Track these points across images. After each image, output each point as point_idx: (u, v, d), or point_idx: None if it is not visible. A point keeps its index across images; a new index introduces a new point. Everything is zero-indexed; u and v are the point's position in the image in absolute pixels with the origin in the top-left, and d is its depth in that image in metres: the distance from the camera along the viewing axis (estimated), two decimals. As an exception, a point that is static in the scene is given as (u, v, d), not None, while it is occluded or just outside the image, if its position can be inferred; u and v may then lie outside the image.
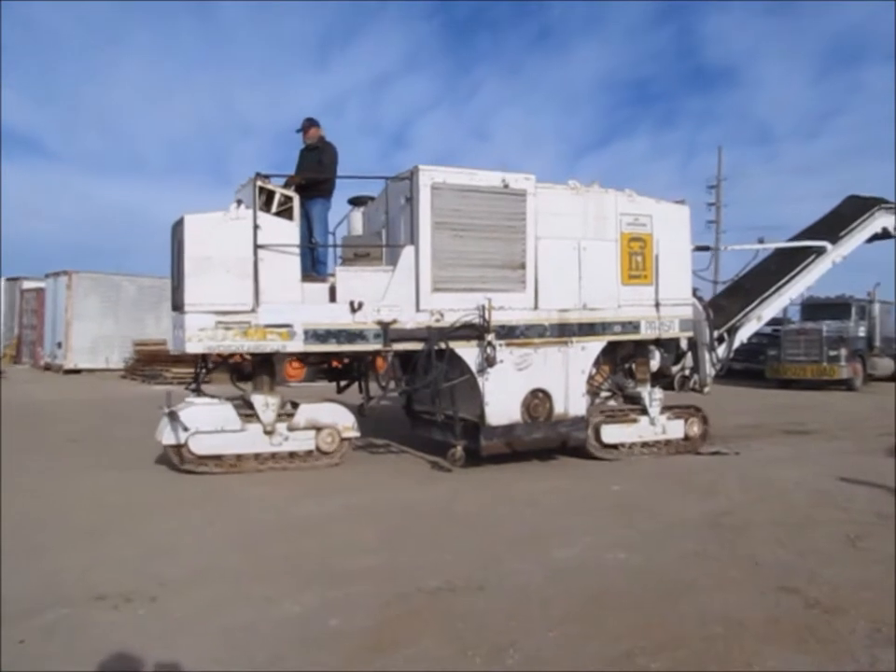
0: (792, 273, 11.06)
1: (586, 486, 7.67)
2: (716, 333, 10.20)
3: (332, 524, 6.10)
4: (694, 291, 9.88)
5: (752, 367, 21.57)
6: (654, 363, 9.71)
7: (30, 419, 12.11)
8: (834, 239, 11.48)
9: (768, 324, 25.63)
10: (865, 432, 11.30)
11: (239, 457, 8.07)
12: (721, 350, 10.34)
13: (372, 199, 9.40)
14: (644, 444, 9.29)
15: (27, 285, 27.39)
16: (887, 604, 4.23)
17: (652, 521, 6.14)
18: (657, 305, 9.23)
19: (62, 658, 3.55)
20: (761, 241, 11.30)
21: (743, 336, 10.69)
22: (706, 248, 10.47)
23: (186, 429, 7.66)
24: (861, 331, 20.56)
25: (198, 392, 8.45)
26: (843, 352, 19.24)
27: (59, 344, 23.26)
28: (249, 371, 9.05)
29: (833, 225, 11.91)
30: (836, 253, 11.44)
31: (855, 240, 11.69)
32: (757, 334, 23.06)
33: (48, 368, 24.00)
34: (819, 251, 11.34)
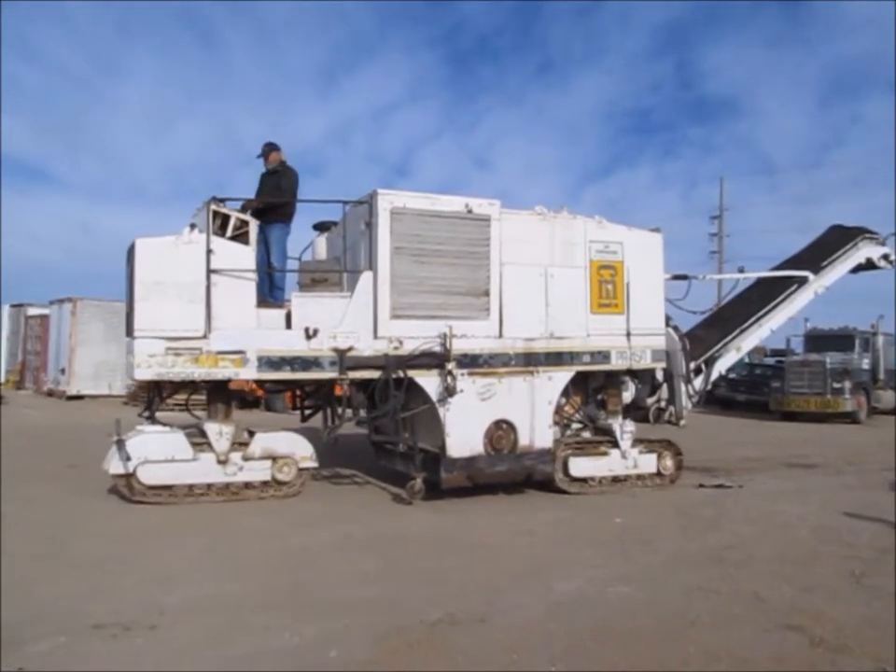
0: (774, 303, 10.75)
1: (588, 518, 7.52)
2: (693, 364, 9.90)
3: (331, 553, 6.05)
4: (668, 320, 9.61)
5: (755, 399, 21.30)
6: (628, 394, 9.45)
7: (30, 444, 11.96)
8: (817, 269, 11.19)
9: (771, 355, 25.79)
10: (870, 466, 11.05)
11: (191, 487, 7.84)
12: (699, 382, 10.04)
13: (336, 224, 9.24)
14: (615, 479, 8.97)
15: (32, 311, 27.41)
16: (892, 642, 4.14)
17: (655, 554, 6.07)
18: (628, 335, 8.97)
19: None
20: (741, 270, 11.06)
21: (721, 367, 10.40)
22: (683, 277, 10.20)
23: (128, 458, 7.45)
24: (866, 363, 20.15)
25: (151, 420, 8.25)
26: (847, 384, 18.88)
27: (62, 370, 23.19)
28: (253, 399, 8.92)
29: (816, 255, 11.62)
30: (819, 283, 11.14)
31: (838, 270, 11.39)
32: (760, 366, 23.24)
33: (51, 394, 23.93)
34: (802, 281, 11.04)
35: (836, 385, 18.88)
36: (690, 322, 10.99)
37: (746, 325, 10.59)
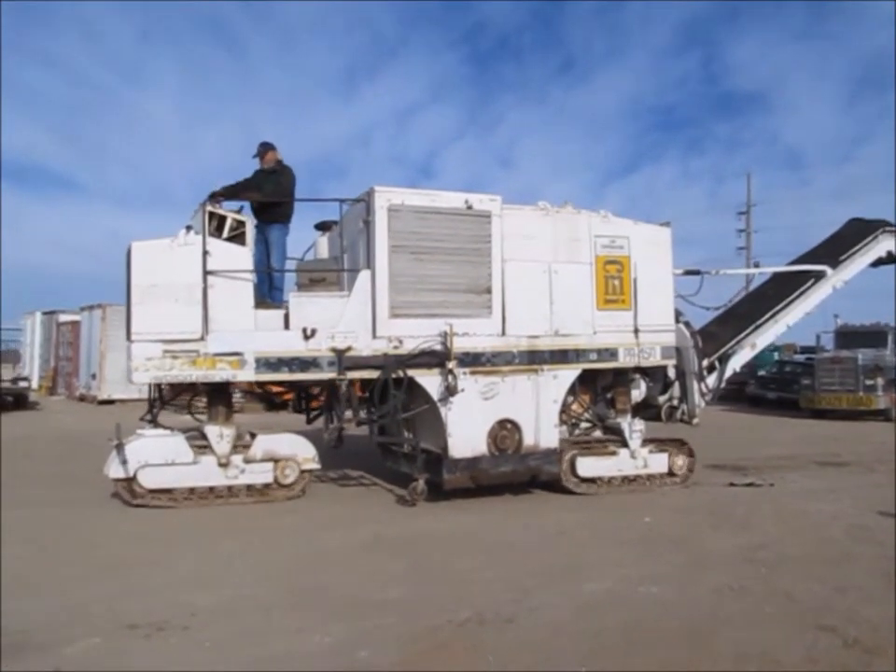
0: (790, 299, 10.44)
1: (617, 518, 7.42)
2: (706, 362, 9.64)
3: (359, 554, 6.07)
4: (679, 316, 9.37)
5: (785, 396, 20.78)
6: (638, 393, 9.24)
7: (62, 450, 12.12)
8: (835, 263, 10.85)
9: (801, 352, 25.23)
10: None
11: (192, 491, 7.80)
12: (712, 379, 9.77)
13: (337, 223, 9.16)
14: (624, 479, 8.76)
15: (63, 318, 27.87)
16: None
17: (685, 554, 6.00)
18: (636, 331, 8.75)
19: None
20: (756, 265, 10.75)
21: (735, 364, 10.09)
22: (695, 272, 9.94)
23: (124, 462, 7.42)
24: None
25: (153, 423, 8.22)
26: (879, 381, 18.27)
27: (93, 376, 23.54)
28: (280, 401, 8.89)
29: (835, 249, 11.28)
30: (837, 278, 10.80)
31: (857, 264, 11.04)
32: (790, 363, 22.71)
33: (82, 398, 24.31)
34: (819, 276, 10.72)
35: (868, 382, 18.32)
36: (704, 318, 10.75)
37: (761, 321, 10.28)
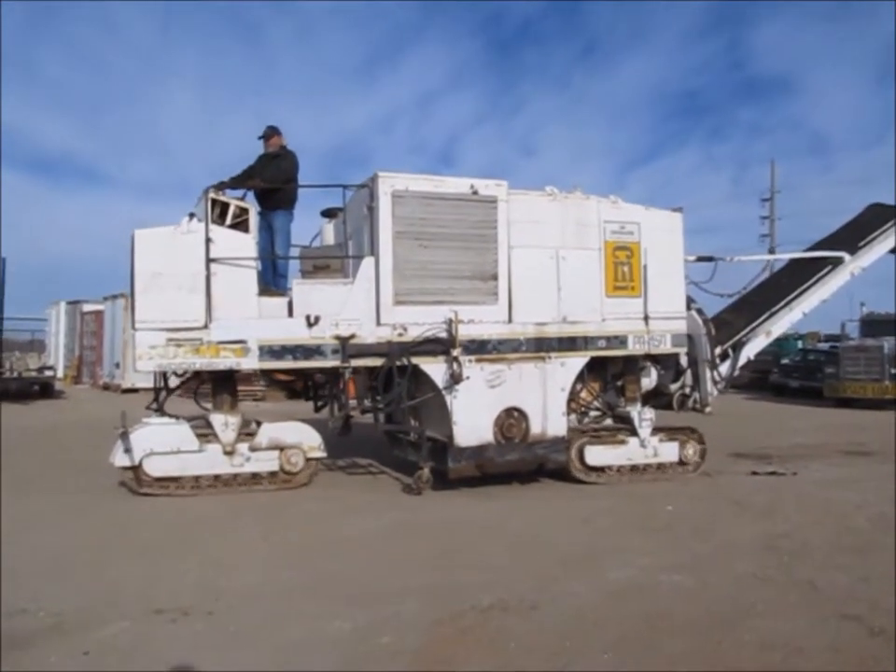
0: (805, 286, 10.20)
1: (639, 506, 7.36)
2: (719, 349, 9.46)
3: (382, 541, 6.11)
4: (691, 304, 9.20)
5: (809, 385, 20.42)
6: (648, 381, 9.10)
7: (88, 437, 12.12)
8: (853, 249, 10.59)
9: (826, 340, 24.85)
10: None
11: (198, 479, 7.80)
12: (725, 367, 9.58)
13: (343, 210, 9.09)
14: (633, 468, 8.63)
15: (87, 308, 28.12)
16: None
17: (708, 542, 5.98)
18: (646, 318, 8.60)
19: (121, 669, 3.66)
20: (772, 251, 10.52)
21: (749, 352, 9.87)
22: (708, 259, 9.74)
23: (129, 451, 7.43)
24: None
25: (160, 412, 8.22)
26: (905, 370, 17.93)
27: (117, 365, 23.68)
28: (300, 389, 8.92)
29: (853, 235, 10.99)
30: (855, 265, 10.53)
31: (876, 251, 10.74)
32: (814, 351, 22.37)
33: (106, 387, 24.50)
34: (837, 262, 10.46)
35: (894, 371, 18.00)
36: (719, 306, 10.55)
37: (776, 308, 10.06)
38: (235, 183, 8.10)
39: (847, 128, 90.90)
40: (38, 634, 4.10)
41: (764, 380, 22.05)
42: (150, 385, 8.78)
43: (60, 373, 27.15)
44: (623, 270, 8.56)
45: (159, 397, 8.34)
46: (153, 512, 7.08)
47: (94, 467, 8.35)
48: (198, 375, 8.47)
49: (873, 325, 20.11)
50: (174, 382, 8.61)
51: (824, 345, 23.69)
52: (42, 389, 21.72)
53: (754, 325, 9.95)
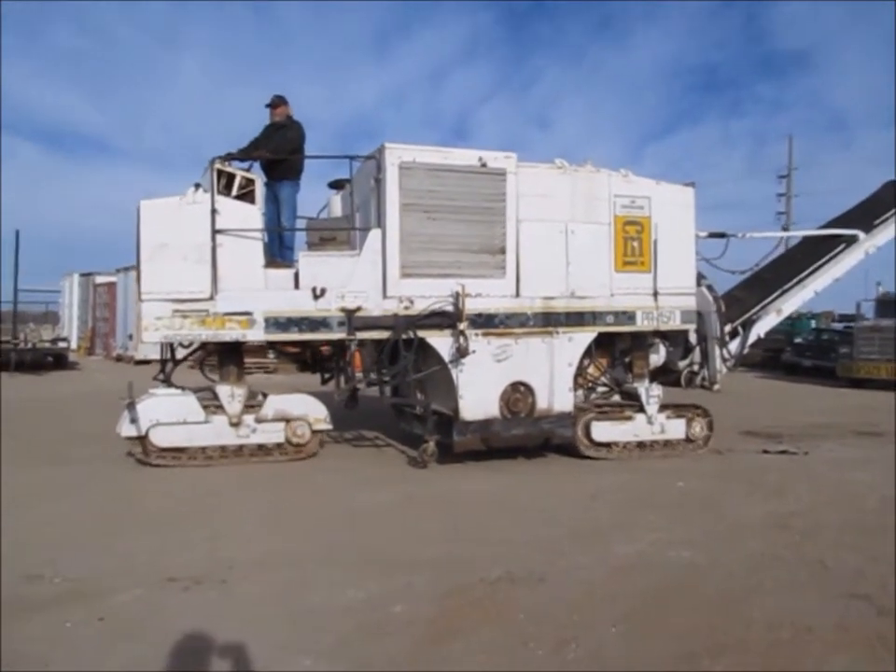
0: (818, 264, 10.05)
1: (648, 482, 7.38)
2: (729, 327, 9.36)
3: (392, 513, 6.15)
4: (701, 280, 9.09)
5: (823, 365, 20.19)
6: (657, 357, 9.03)
7: (103, 408, 12.27)
8: (868, 227, 10.40)
9: (840, 320, 24.61)
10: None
11: (204, 450, 7.82)
12: (735, 345, 9.48)
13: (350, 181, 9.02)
14: (640, 444, 8.59)
15: (100, 279, 28.16)
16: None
17: (717, 519, 5.98)
18: (655, 294, 8.51)
19: (136, 635, 3.69)
20: (785, 228, 10.37)
21: (760, 330, 9.75)
22: (720, 235, 9.60)
23: (135, 421, 7.45)
24: None
25: (167, 383, 8.24)
26: (920, 351, 17.70)
27: (130, 336, 23.71)
28: (311, 362, 8.94)
29: (868, 212, 10.78)
30: (870, 243, 10.33)
31: (891, 229, 10.52)
32: (828, 331, 22.17)
33: (119, 359, 24.64)
34: (851, 240, 10.29)
35: (909, 352, 17.78)
36: (730, 283, 10.42)
37: (788, 286, 9.93)
38: (242, 154, 8.04)
39: (866, 105, 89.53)
40: (53, 599, 4.15)
41: (777, 359, 21.86)
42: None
43: (73, 345, 27.31)
44: (633, 245, 8.46)
45: (165, 368, 8.35)
46: (162, 483, 7.12)
47: (104, 437, 8.39)
48: (204, 347, 8.48)
49: (888, 305, 19.77)
50: (180, 353, 8.62)
51: (838, 325, 23.49)
52: (56, 360, 21.88)
53: (765, 302, 9.82)
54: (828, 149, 79.03)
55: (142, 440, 7.64)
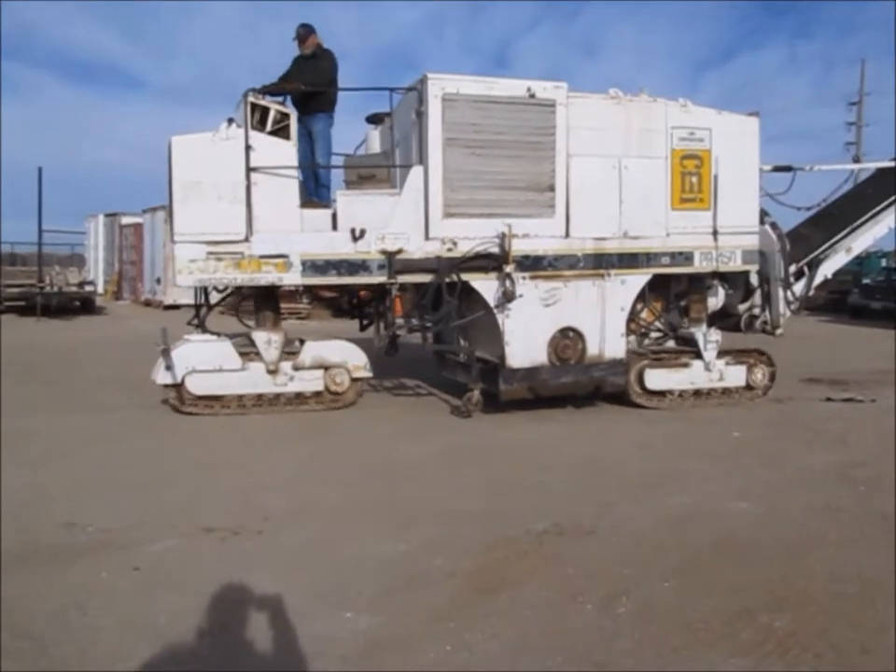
0: (893, 198, 9.31)
1: (703, 431, 7.10)
2: (794, 267, 8.79)
3: (434, 464, 5.97)
4: (763, 217, 8.51)
5: (892, 307, 19.14)
6: (716, 300, 8.54)
7: (135, 354, 12.19)
8: None
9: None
10: None
11: (241, 398, 7.59)
12: (799, 287, 8.91)
13: (390, 115, 8.55)
14: (697, 392, 8.16)
15: (125, 220, 27.27)
16: None
17: (776, 470, 5.76)
18: (715, 233, 7.97)
19: (172, 586, 3.61)
20: (856, 160, 9.66)
21: (828, 271, 9.13)
22: (786, 169, 8.95)
23: (170, 368, 7.22)
24: None
25: (201, 328, 7.98)
26: None
27: (158, 280, 23.36)
28: (347, 308, 8.68)
29: None
30: (952, 173, 9.54)
31: None
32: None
33: (148, 304, 24.24)
34: (930, 171, 9.52)
35: None
36: (796, 219, 9.77)
37: (858, 222, 9.26)
38: (275, 87, 7.61)
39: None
40: (88, 548, 4.08)
41: (843, 301, 20.59)
42: (192, 301, 8.52)
43: (100, 289, 26.54)
44: (692, 180, 7.92)
45: (199, 313, 8.09)
46: (198, 432, 6.95)
47: (139, 383, 8.22)
48: (239, 291, 8.20)
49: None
50: (214, 298, 8.36)
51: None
52: (83, 305, 21.50)
53: (834, 241, 9.15)
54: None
55: (178, 387, 7.43)
